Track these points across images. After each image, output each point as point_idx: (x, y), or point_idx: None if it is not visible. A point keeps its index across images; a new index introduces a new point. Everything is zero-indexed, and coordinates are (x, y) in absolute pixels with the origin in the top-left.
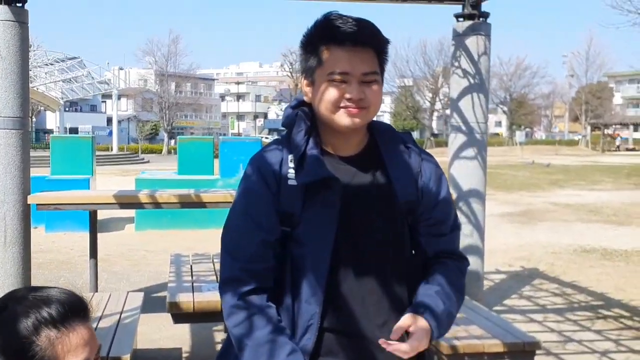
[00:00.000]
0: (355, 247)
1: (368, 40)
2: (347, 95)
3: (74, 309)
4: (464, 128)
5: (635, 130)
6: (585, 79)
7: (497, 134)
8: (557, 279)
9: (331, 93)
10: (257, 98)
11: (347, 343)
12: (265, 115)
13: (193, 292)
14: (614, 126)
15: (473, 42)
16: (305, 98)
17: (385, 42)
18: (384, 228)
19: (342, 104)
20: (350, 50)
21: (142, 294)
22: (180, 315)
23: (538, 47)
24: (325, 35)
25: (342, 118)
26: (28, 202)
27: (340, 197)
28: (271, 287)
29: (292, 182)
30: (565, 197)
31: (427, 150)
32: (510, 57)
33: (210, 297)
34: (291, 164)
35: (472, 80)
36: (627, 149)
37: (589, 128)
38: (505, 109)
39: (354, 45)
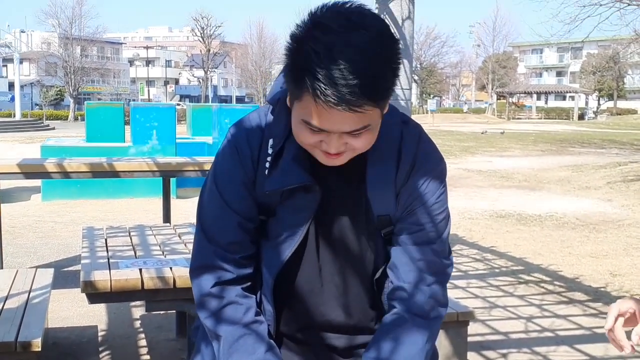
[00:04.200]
0: (320, 251)
1: (367, 101)
2: (324, 147)
3: None
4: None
5: (539, 98)
6: (492, 48)
7: None
8: (477, 245)
9: (305, 138)
10: (168, 63)
11: (302, 349)
12: (176, 81)
13: (110, 269)
14: (518, 95)
15: (397, 6)
16: (287, 101)
17: (392, 86)
18: (355, 238)
19: (317, 147)
20: (337, 111)
21: (52, 270)
22: (96, 295)
23: (447, 16)
24: (311, 76)
25: (319, 157)
26: None
27: (317, 201)
28: (250, 275)
29: (267, 172)
30: (477, 163)
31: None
32: (420, 27)
33: (129, 274)
34: (270, 150)
35: None
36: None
37: (495, 96)
38: (416, 77)
39: (345, 108)
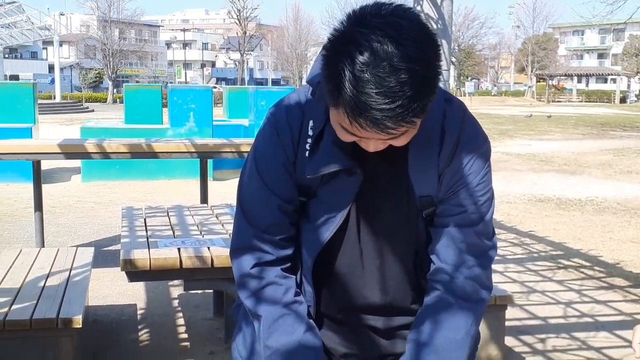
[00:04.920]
0: (361, 233)
1: (403, 124)
2: (363, 145)
3: None
4: None
5: (579, 81)
6: (532, 30)
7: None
8: (515, 229)
9: (342, 135)
10: (205, 46)
11: (342, 330)
12: (213, 64)
13: (149, 248)
14: (558, 77)
15: None
16: None
17: (431, 99)
18: (396, 219)
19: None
20: (372, 131)
21: (92, 249)
22: (135, 273)
23: None
24: (345, 97)
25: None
26: None
27: (358, 183)
28: (289, 256)
29: (308, 155)
30: (515, 147)
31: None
32: (458, 7)
33: (168, 253)
34: (310, 132)
35: (435, 25)
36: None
37: (534, 79)
38: (454, 59)
39: (377, 131)
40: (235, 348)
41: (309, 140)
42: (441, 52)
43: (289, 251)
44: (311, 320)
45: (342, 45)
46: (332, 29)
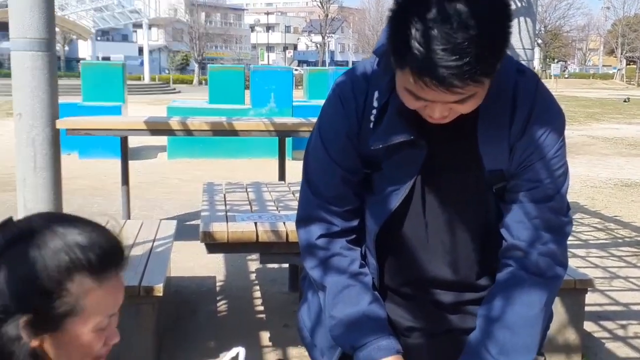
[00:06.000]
0: (427, 206)
1: (470, 82)
2: (428, 112)
3: (113, 257)
4: (509, 54)
5: None
6: (622, 11)
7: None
8: (599, 214)
9: (408, 103)
10: (287, 29)
11: (407, 303)
12: (294, 47)
13: (227, 221)
14: None
15: None
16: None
17: (500, 60)
18: (464, 193)
19: (421, 112)
20: (439, 90)
21: (175, 222)
22: (214, 245)
23: None
24: (411, 56)
25: (425, 117)
26: (57, 127)
27: (423, 156)
28: (354, 228)
29: (372, 126)
30: (602, 130)
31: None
32: None
33: (245, 227)
34: (375, 103)
35: (518, 3)
36: None
37: (624, 62)
38: (540, 41)
39: (444, 89)
40: (300, 317)
41: (374, 111)
42: (512, 13)
43: (354, 223)
44: (376, 292)
45: (409, 3)
46: None
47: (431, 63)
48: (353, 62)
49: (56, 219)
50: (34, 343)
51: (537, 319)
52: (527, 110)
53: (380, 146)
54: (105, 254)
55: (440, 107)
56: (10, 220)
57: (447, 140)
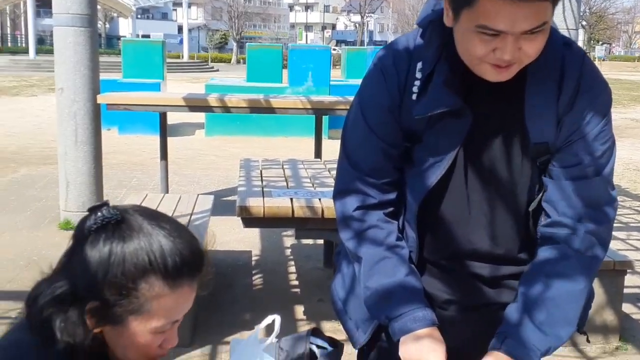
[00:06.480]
0: (469, 178)
1: None
2: (498, 54)
3: (190, 267)
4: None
5: None
6: None
7: None
8: None
9: (477, 48)
10: (326, 8)
11: (445, 276)
12: (333, 27)
13: (263, 197)
14: None
15: None
16: (445, 20)
17: None
18: (507, 166)
19: (488, 60)
20: (515, 3)
21: (212, 197)
22: (250, 220)
23: None
24: None
25: (486, 72)
26: (97, 102)
27: (467, 126)
28: (392, 201)
29: (416, 97)
30: None
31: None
32: None
33: (280, 203)
34: (418, 75)
35: None
36: None
37: None
38: (584, 23)
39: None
40: (334, 289)
41: (417, 82)
42: None
43: (392, 195)
44: (412, 265)
45: None
46: None
47: None
48: None
49: (148, 215)
50: (95, 330)
51: (582, 294)
52: (574, 82)
53: (427, 114)
54: (184, 263)
55: (511, 46)
56: (106, 204)
57: (494, 111)
